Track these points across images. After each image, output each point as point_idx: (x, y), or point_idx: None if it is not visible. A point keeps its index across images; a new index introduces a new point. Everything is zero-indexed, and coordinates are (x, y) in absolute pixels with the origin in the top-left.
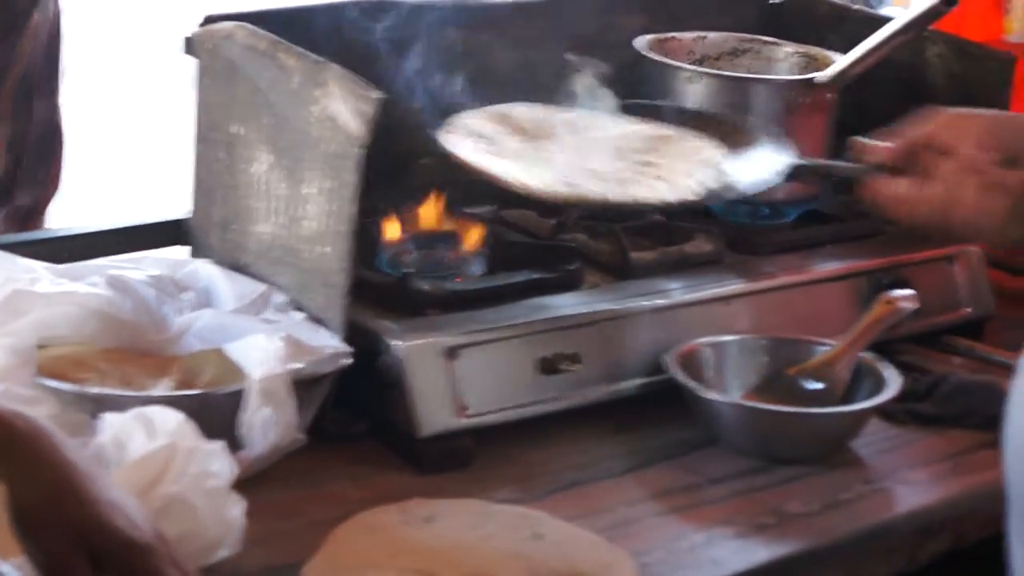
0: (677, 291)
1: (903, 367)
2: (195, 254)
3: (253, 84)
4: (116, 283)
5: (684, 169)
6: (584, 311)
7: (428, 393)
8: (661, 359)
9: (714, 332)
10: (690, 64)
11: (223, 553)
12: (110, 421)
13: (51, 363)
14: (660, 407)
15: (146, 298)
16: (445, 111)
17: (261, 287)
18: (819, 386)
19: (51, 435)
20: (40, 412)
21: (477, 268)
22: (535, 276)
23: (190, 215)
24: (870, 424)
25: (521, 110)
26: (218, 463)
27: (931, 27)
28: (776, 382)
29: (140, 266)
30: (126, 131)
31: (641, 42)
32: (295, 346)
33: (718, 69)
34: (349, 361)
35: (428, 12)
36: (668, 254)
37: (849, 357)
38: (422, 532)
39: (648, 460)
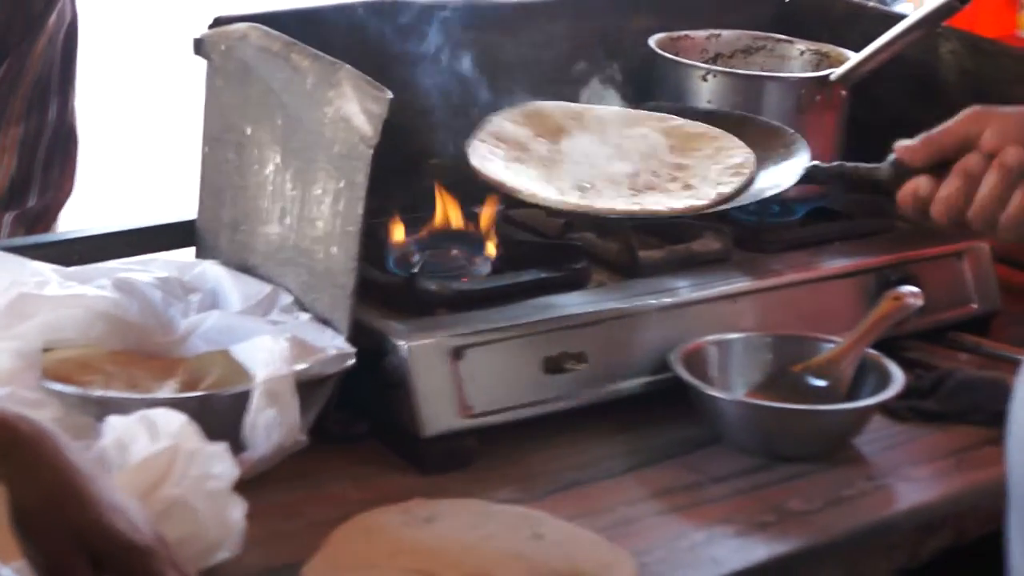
0: (684, 289)
1: (909, 363)
2: (202, 255)
3: (266, 85)
4: (123, 285)
5: (713, 177)
6: (590, 310)
7: (433, 393)
8: (666, 357)
9: (721, 330)
10: (703, 62)
11: (223, 555)
12: (113, 424)
13: (57, 366)
14: (665, 405)
15: (153, 300)
16: (456, 111)
17: (267, 288)
18: (823, 383)
19: (54, 438)
20: (45, 415)
21: (484, 268)
22: (542, 275)
23: (197, 217)
24: (874, 421)
25: (555, 107)
26: (220, 465)
27: (944, 24)
28: (780, 379)
29: (149, 268)
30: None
31: (654, 40)
32: (300, 347)
33: (731, 67)
34: (353, 361)
35: (439, 12)
36: (676, 252)
37: (855, 354)
38: (422, 532)
39: (650, 459)
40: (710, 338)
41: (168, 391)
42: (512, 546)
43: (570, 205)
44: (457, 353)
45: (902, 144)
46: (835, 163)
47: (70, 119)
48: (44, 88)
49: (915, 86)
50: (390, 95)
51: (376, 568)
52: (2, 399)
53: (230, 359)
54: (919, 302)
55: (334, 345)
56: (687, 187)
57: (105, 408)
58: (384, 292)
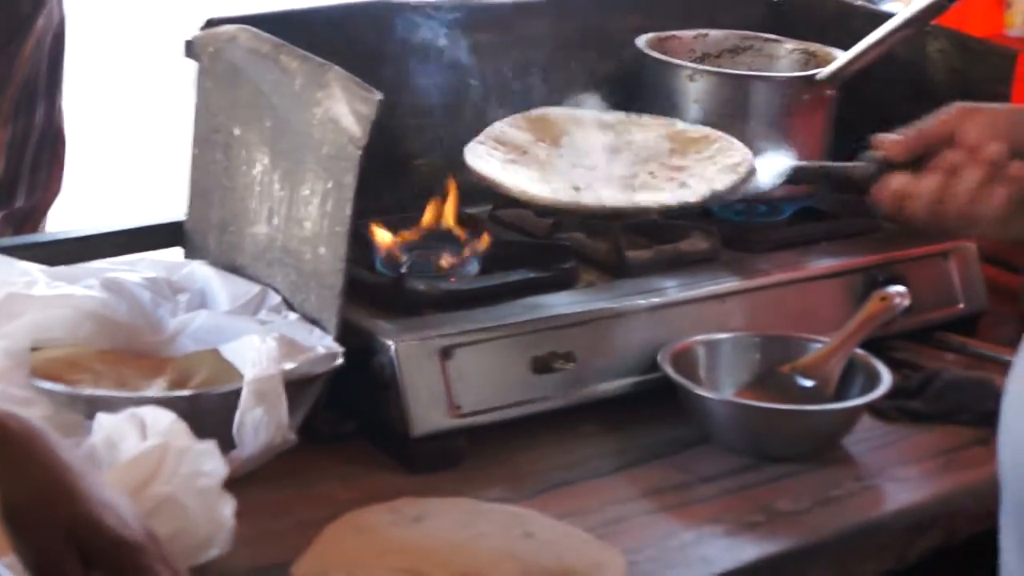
0: (672, 289)
1: (896, 363)
2: (190, 256)
3: (255, 86)
4: (111, 285)
5: (710, 176)
6: (579, 310)
7: (421, 392)
8: (655, 357)
9: (709, 330)
10: (691, 62)
11: (213, 552)
12: (103, 422)
13: (46, 365)
14: (653, 405)
15: (141, 300)
16: (445, 112)
17: (256, 288)
18: (811, 383)
19: (44, 435)
20: (34, 413)
21: (472, 268)
22: (530, 275)
23: (185, 217)
24: (862, 421)
25: (560, 113)
26: (209, 463)
27: (932, 22)
28: (769, 379)
29: (137, 268)
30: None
31: (642, 40)
32: (288, 346)
33: (719, 67)
34: (342, 361)
35: (428, 13)
36: (664, 252)
37: (842, 354)
38: (412, 531)
39: (639, 459)
40: (698, 338)
41: (157, 390)
42: (502, 545)
43: (559, 203)
44: (446, 353)
45: (883, 137)
46: (815, 162)
47: (58, 120)
48: (32, 90)
49: (903, 85)
50: (379, 96)
51: (365, 567)
52: None
53: (219, 358)
54: (906, 302)
55: (322, 345)
56: (683, 185)
57: (94, 406)
58: (372, 292)
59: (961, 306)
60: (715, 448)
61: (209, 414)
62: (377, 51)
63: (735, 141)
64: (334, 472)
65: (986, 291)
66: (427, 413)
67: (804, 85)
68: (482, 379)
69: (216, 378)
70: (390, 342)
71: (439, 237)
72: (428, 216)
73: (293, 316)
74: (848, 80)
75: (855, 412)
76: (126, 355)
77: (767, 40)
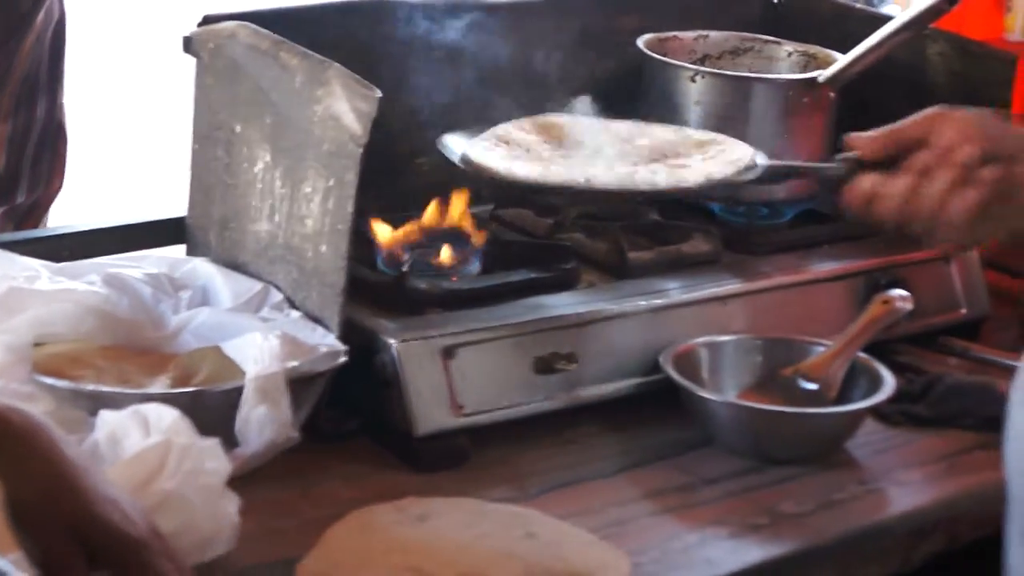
0: (674, 291)
1: (899, 367)
2: (192, 253)
3: (255, 83)
4: (113, 281)
5: (709, 167)
6: (580, 311)
7: (424, 392)
8: (657, 359)
9: (711, 332)
10: (691, 63)
11: (217, 550)
12: (106, 418)
13: (48, 360)
14: (656, 407)
15: (143, 296)
16: (444, 110)
17: (258, 285)
18: (814, 386)
19: (47, 430)
20: (36, 409)
21: (474, 267)
22: (531, 275)
23: (187, 214)
24: (865, 425)
25: (567, 119)
26: (213, 460)
27: (932, 25)
28: (771, 382)
29: (139, 265)
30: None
31: (642, 41)
32: (291, 344)
33: (719, 68)
34: (345, 359)
35: (428, 11)
36: (665, 253)
37: (845, 357)
38: (416, 531)
39: (642, 460)
40: (701, 340)
41: (159, 386)
42: (505, 545)
43: (548, 180)
44: (448, 352)
45: (856, 136)
46: (787, 162)
47: (58, 115)
48: (32, 85)
49: (903, 88)
50: (379, 94)
51: (369, 566)
52: None
53: (221, 355)
54: (908, 306)
55: (325, 343)
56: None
57: (97, 402)
58: (374, 291)
59: (963, 311)
60: (718, 450)
61: (212, 411)
62: (377, 49)
63: (741, 143)
64: (337, 471)
65: (988, 296)
66: (430, 412)
67: (805, 87)
68: (484, 379)
69: (218, 375)
70: (392, 341)
71: (440, 236)
72: (430, 215)
73: (295, 314)
74: (848, 83)
75: (858, 415)
76: (128, 351)
77: (767, 42)
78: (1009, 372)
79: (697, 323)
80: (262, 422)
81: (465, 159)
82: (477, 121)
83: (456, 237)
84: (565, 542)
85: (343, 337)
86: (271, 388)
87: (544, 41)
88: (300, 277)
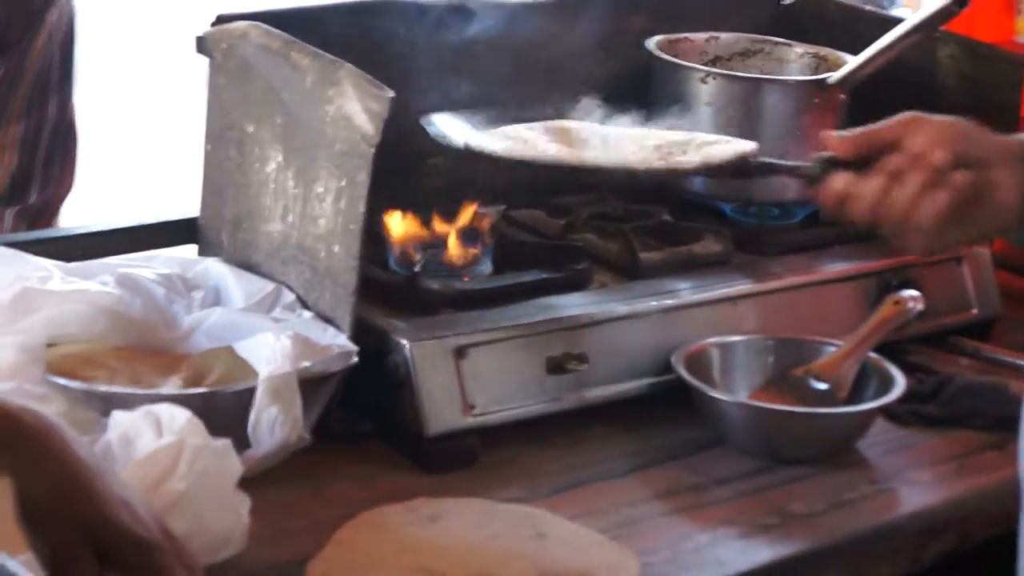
0: (685, 291)
1: (910, 367)
2: (204, 253)
3: (267, 83)
4: (126, 281)
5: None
6: (592, 311)
7: (436, 392)
8: (668, 359)
9: (722, 332)
10: (702, 65)
11: (228, 551)
12: (118, 419)
13: (61, 361)
14: (667, 407)
15: (156, 296)
16: (454, 110)
17: (270, 286)
18: (825, 386)
19: (60, 431)
20: (49, 409)
21: (486, 268)
22: (543, 276)
23: (199, 214)
24: (876, 425)
25: (579, 125)
26: (225, 461)
27: (942, 28)
28: (782, 382)
29: (151, 265)
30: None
31: (652, 43)
32: (303, 344)
33: (729, 70)
34: (356, 360)
35: (438, 13)
36: (677, 254)
37: (856, 358)
38: (427, 531)
39: (653, 460)
40: (712, 340)
41: (172, 387)
42: (516, 545)
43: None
44: (460, 352)
45: (832, 134)
46: (764, 157)
47: (70, 115)
48: (44, 85)
49: (913, 90)
50: (391, 94)
51: (380, 566)
52: (7, 393)
53: (234, 356)
54: (920, 306)
55: (337, 343)
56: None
57: (110, 403)
58: (386, 291)
59: (975, 311)
60: (729, 450)
61: (224, 412)
62: (388, 48)
63: (750, 142)
64: (348, 472)
65: (1000, 296)
66: (441, 412)
67: (815, 89)
68: (496, 379)
69: (231, 376)
70: (404, 341)
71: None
72: (438, 216)
73: (307, 314)
74: (858, 85)
75: (869, 415)
76: (141, 352)
77: (777, 44)
78: (1021, 372)
79: (708, 323)
80: (274, 423)
81: (466, 145)
82: (489, 120)
83: (467, 237)
84: (575, 542)
85: (355, 337)
86: (283, 389)
87: (554, 42)
88: (312, 277)
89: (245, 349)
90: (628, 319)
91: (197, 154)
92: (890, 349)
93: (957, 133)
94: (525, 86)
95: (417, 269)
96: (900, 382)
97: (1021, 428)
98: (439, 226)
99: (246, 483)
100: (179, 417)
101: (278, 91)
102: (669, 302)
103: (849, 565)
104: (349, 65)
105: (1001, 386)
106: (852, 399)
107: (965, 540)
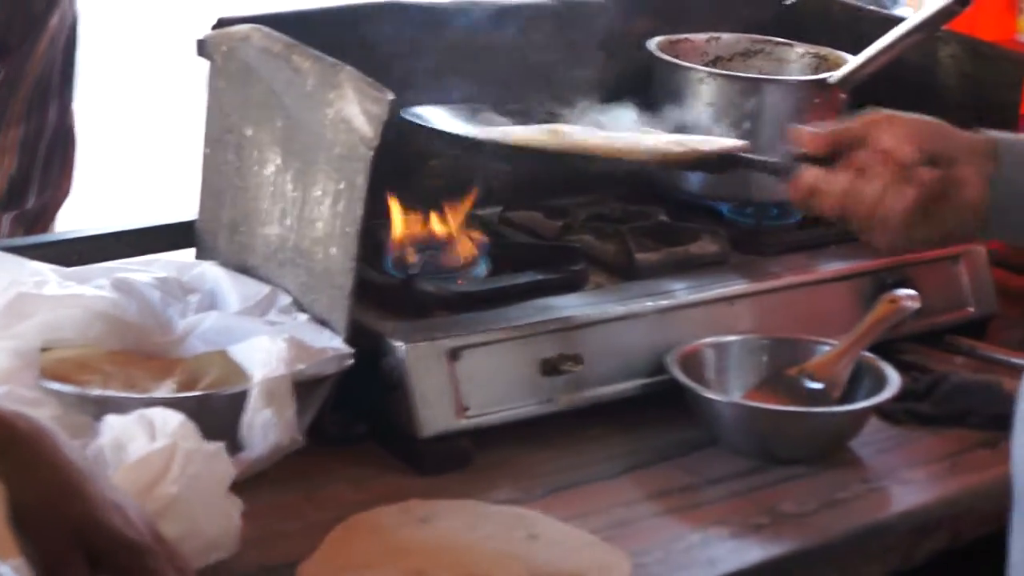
0: (682, 292)
1: (905, 366)
2: (201, 256)
3: (267, 86)
4: (121, 285)
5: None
6: (588, 312)
7: (430, 394)
8: (663, 359)
9: (719, 332)
10: (703, 65)
11: (220, 554)
12: (111, 423)
13: (55, 365)
14: (661, 408)
15: (151, 300)
16: (456, 112)
17: (266, 289)
18: (819, 386)
19: (52, 435)
20: (43, 414)
21: (481, 269)
22: (539, 277)
23: (197, 217)
24: (870, 424)
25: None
26: (218, 464)
27: (944, 27)
28: (777, 382)
29: (147, 269)
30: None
31: (653, 43)
32: (298, 347)
33: (730, 70)
34: (351, 363)
35: (439, 15)
36: (673, 255)
37: (850, 357)
38: (419, 532)
39: (647, 461)
40: (707, 340)
41: (166, 391)
42: (509, 547)
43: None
44: (454, 354)
45: (803, 129)
46: (739, 152)
47: (69, 120)
48: (44, 89)
49: (915, 90)
50: (391, 96)
51: (373, 567)
52: (0, 397)
53: (228, 359)
54: (915, 305)
55: (332, 346)
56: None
57: (103, 407)
58: (382, 293)
59: (971, 310)
60: (723, 450)
61: (218, 415)
62: (389, 51)
63: (733, 141)
64: (342, 474)
65: (995, 295)
66: (435, 414)
67: (816, 89)
68: (490, 381)
69: (225, 379)
70: (399, 343)
71: (445, 239)
72: (434, 218)
73: (303, 317)
74: (859, 84)
75: (862, 414)
76: (135, 356)
77: (778, 44)
78: (1016, 371)
79: (705, 324)
80: (267, 426)
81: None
82: (488, 122)
83: (463, 239)
84: (567, 543)
85: (350, 340)
86: (277, 392)
87: (555, 43)
88: (309, 280)
89: (240, 353)
90: (624, 320)
91: (195, 157)
92: (886, 348)
93: (924, 131)
94: (525, 88)
95: (413, 271)
96: (894, 381)
97: (1013, 427)
98: (436, 228)
99: (239, 486)
100: (172, 420)
101: (279, 94)
102: (665, 302)
103: (840, 564)
104: (350, 68)
105: (996, 385)
106: (846, 398)
107: (957, 538)
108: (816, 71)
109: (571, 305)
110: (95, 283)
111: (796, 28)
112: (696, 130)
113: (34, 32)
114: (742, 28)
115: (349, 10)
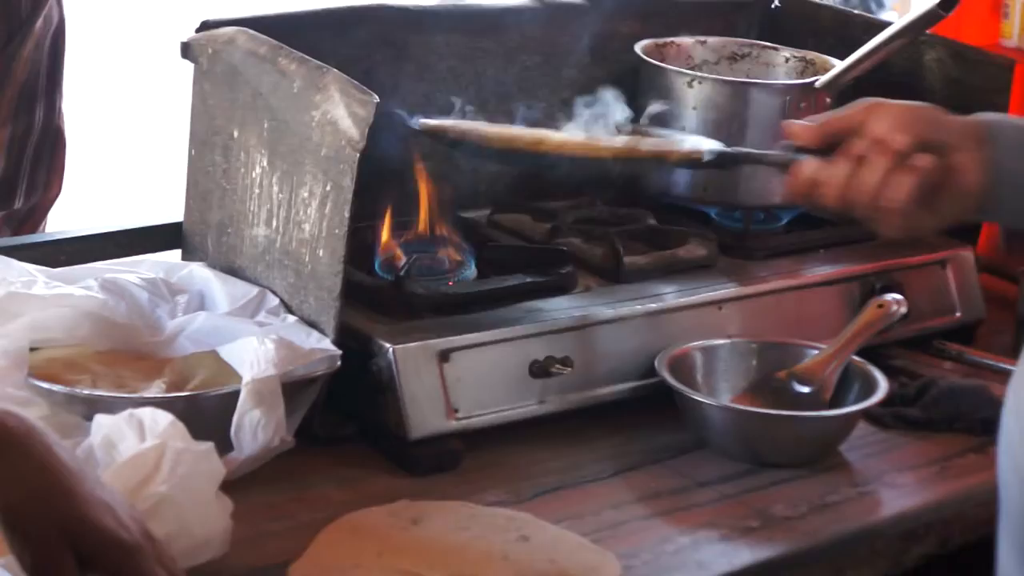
0: (670, 295)
1: (893, 371)
2: (188, 258)
3: (253, 89)
4: (110, 286)
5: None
6: (576, 315)
7: (419, 396)
8: (652, 362)
9: (707, 336)
10: (689, 69)
11: (210, 554)
12: (101, 422)
13: (44, 365)
14: (651, 410)
15: (140, 301)
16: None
17: (255, 290)
18: (808, 390)
19: (42, 434)
20: (32, 413)
21: (470, 272)
22: (528, 280)
23: (184, 219)
24: (858, 428)
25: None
26: (207, 464)
27: (929, 32)
28: (765, 386)
29: (136, 270)
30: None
31: (640, 47)
32: (287, 348)
33: (717, 74)
34: (340, 364)
35: (425, 18)
36: (661, 258)
37: (839, 361)
38: (408, 533)
39: (637, 463)
40: (696, 344)
41: (155, 391)
42: (498, 548)
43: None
44: (443, 356)
45: (794, 123)
46: (736, 148)
47: (57, 121)
48: (31, 91)
49: (900, 94)
50: (377, 99)
51: (362, 568)
52: None
53: (217, 360)
54: (903, 310)
55: (320, 347)
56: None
57: (93, 407)
58: (371, 295)
59: (958, 314)
60: (712, 453)
61: (207, 415)
62: (375, 54)
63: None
64: (332, 474)
65: (984, 299)
66: (424, 416)
67: (802, 92)
68: (480, 383)
69: (214, 380)
70: (388, 345)
71: (437, 240)
72: (423, 220)
73: (291, 318)
74: (845, 88)
75: (851, 419)
76: (124, 356)
77: (765, 48)
78: (1004, 376)
79: (693, 327)
80: (257, 426)
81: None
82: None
83: (452, 241)
84: (557, 545)
85: (339, 341)
86: (266, 392)
87: (542, 47)
88: (297, 281)
89: (229, 353)
90: (612, 323)
91: (182, 159)
92: (874, 352)
93: (917, 117)
94: (514, 92)
95: (402, 273)
96: (882, 385)
97: (1000, 432)
98: (425, 230)
99: (229, 486)
100: (161, 420)
101: (265, 96)
102: (653, 306)
103: (830, 568)
104: (335, 70)
105: (984, 389)
106: (835, 402)
107: (946, 543)
108: (802, 75)
109: (560, 308)
110: (83, 283)
111: (782, 32)
112: (683, 134)
113: (20, 34)
114: (729, 32)
115: (334, 13)
